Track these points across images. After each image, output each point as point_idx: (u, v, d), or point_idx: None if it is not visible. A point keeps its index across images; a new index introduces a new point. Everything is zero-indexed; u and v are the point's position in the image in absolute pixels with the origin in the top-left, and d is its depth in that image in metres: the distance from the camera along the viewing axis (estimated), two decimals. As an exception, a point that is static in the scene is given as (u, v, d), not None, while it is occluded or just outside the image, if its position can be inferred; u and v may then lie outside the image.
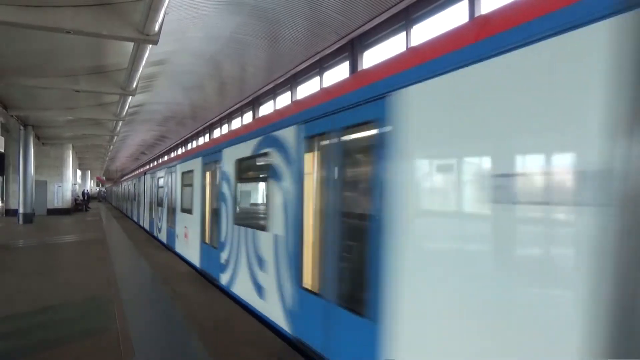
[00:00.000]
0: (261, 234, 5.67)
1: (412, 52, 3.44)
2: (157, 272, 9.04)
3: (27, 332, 5.31)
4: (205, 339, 5.00)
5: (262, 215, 5.87)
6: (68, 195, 29.67)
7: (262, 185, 6.00)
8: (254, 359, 4.47)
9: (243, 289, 6.32)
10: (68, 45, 11.46)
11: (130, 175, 32.44)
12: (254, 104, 20.74)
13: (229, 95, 22.18)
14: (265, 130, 5.66)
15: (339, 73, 13.98)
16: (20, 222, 21.83)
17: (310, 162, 4.52)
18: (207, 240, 8.54)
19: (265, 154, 5.61)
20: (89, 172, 60.56)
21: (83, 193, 39.04)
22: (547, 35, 2.16)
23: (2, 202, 28.30)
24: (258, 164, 6.05)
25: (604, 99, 1.88)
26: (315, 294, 4.28)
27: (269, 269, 5.38)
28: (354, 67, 13.00)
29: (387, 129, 3.23)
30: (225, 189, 7.26)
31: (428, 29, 10.66)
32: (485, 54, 2.48)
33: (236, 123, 23.74)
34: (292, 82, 17.02)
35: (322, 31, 13.36)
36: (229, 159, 7.11)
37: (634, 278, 1.76)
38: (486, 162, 2.51)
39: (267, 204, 5.54)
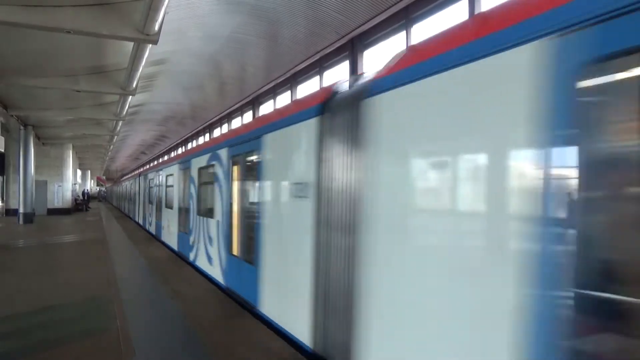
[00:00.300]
0: (211, 220, 8.15)
1: (264, 116, 6.33)
2: (157, 271, 9.06)
3: (28, 332, 5.32)
4: (205, 339, 5.01)
5: (211, 207, 8.16)
6: (68, 195, 29.71)
7: (211, 186, 8.15)
8: (252, 358, 4.47)
9: (201, 261, 8.86)
10: (68, 45, 11.46)
11: (128, 176, 33.37)
12: (254, 103, 20.74)
13: (229, 95, 22.17)
14: (213, 148, 8.07)
15: (339, 72, 13.99)
16: (21, 222, 21.86)
17: (234, 173, 6.90)
18: (181, 229, 10.89)
19: (213, 165, 8.03)
20: (89, 172, 60.47)
21: (83, 193, 39.09)
22: (296, 122, 4.80)
23: (2, 202, 28.27)
24: (209, 171, 8.30)
25: (313, 153, 4.36)
26: (236, 257, 6.70)
27: (214, 244, 7.90)
28: (354, 66, 13.00)
29: (261, 156, 5.68)
30: (192, 189, 9.80)
31: (428, 28, 10.66)
32: (277, 127, 5.31)
33: (236, 123, 23.74)
34: (292, 81, 17.02)
35: (322, 30, 13.35)
36: (195, 166, 9.52)
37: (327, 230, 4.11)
38: (292, 176, 4.85)
39: (214, 199, 7.95)
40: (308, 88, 16.08)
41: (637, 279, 1.84)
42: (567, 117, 2.03)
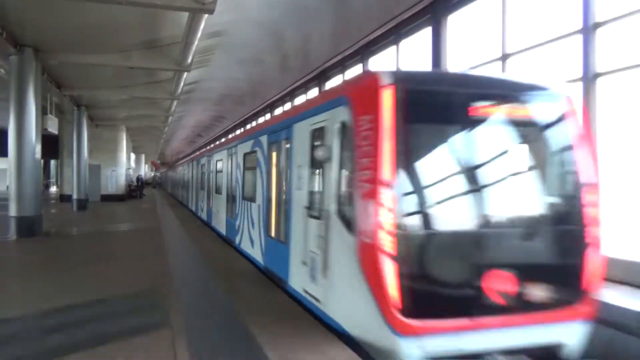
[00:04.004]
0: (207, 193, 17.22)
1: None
2: (214, 266, 9.37)
3: (79, 326, 5.72)
4: (261, 331, 5.09)
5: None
6: (122, 180, 31.70)
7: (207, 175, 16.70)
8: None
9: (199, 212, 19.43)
10: (120, 19, 12.09)
11: (182, 162, 35.36)
12: (320, 78, 20.70)
13: (292, 70, 22.31)
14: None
15: (419, 41, 13.57)
16: (74, 208, 23.87)
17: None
18: (210, 205, 16.45)
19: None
20: (143, 156, 63.70)
21: (137, 178, 41.25)
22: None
23: (57, 187, 30.46)
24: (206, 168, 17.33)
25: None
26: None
27: (217, 203, 14.78)
28: (436, 34, 12.55)
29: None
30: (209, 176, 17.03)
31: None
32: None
33: (300, 101, 23.96)
34: (363, 52, 16.79)
35: (398, -8, 13.02)
36: (210, 161, 16.50)
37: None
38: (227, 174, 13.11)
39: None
40: (382, 60, 15.82)
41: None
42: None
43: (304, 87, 22.76)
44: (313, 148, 6.04)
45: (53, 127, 18.39)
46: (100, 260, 10.19)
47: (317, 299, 5.67)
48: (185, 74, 17.31)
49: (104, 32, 13.35)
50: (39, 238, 13.49)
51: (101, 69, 17.01)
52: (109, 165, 30.85)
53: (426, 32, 13.22)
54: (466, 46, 10.70)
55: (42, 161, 15.02)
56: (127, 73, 17.41)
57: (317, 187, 5.97)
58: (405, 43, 14.34)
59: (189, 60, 14.56)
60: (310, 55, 19.98)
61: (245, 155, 10.35)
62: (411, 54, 13.26)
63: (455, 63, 10.99)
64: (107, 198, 30.29)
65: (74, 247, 12.42)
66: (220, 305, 6.54)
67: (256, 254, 9.04)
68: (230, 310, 6.29)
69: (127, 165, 35.25)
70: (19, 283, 8.26)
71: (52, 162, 50.54)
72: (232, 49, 20.82)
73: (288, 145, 7.24)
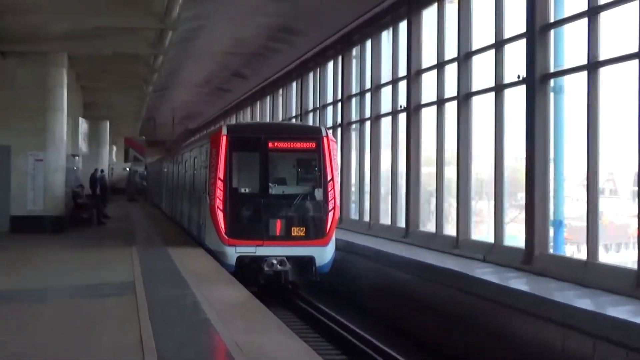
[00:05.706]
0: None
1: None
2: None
3: None
4: None
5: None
6: (60, 182, 32.42)
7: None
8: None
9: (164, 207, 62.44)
10: None
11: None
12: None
13: None
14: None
15: None
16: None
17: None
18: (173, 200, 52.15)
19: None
20: (108, 125, 65.87)
21: (94, 179, 43.60)
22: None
23: None
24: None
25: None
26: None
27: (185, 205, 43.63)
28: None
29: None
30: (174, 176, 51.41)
31: None
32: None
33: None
34: None
35: None
36: (177, 159, 49.62)
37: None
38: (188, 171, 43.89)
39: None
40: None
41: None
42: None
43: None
44: (204, 159, 33.24)
45: None
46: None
47: (203, 239, 30.72)
48: None
49: None
50: None
51: None
52: (29, 146, 31.47)
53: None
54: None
55: None
56: None
57: (204, 179, 31.79)
58: None
59: None
60: None
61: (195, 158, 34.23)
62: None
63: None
64: (26, 225, 30.88)
65: None
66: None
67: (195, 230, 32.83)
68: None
69: (69, 148, 36.90)
70: None
71: None
72: None
73: (200, 156, 33.74)
